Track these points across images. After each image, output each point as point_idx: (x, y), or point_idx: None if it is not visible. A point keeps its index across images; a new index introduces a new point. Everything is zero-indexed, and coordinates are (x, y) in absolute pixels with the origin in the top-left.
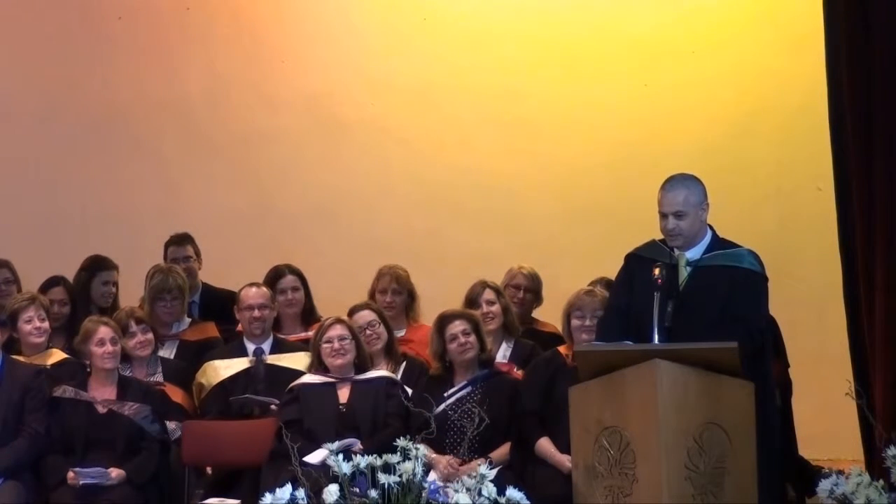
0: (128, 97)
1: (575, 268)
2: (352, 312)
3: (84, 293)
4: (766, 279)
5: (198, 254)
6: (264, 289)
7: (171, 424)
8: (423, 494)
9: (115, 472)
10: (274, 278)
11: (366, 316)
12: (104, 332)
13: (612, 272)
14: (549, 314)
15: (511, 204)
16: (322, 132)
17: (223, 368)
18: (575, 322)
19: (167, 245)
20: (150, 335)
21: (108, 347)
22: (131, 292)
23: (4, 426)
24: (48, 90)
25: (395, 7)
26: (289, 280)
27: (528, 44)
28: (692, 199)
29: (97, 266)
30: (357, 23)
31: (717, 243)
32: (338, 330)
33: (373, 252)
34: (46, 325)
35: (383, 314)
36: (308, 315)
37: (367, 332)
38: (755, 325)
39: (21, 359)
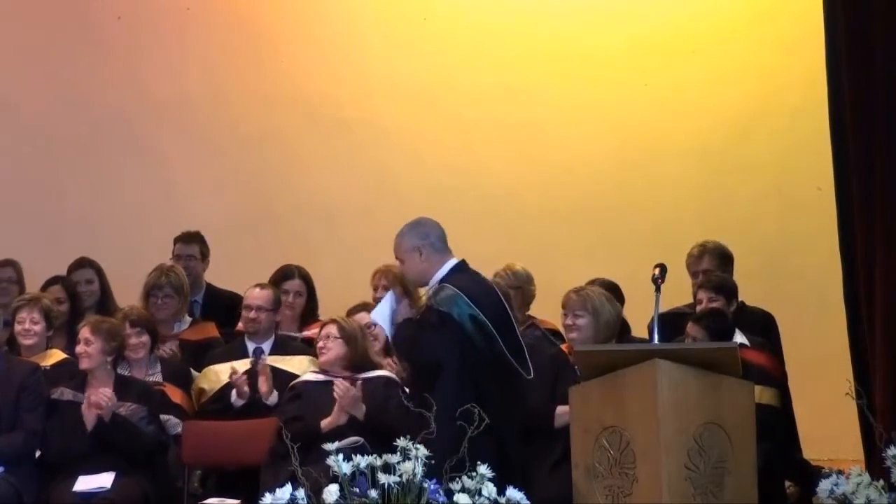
0: (127, 97)
1: (575, 268)
2: (350, 313)
3: (75, 296)
4: (420, 322)
5: (204, 254)
6: (269, 291)
7: (171, 419)
8: (424, 495)
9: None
10: (282, 278)
11: (363, 317)
12: (83, 332)
13: (611, 272)
14: (550, 315)
15: (512, 204)
16: (322, 132)
17: (224, 373)
18: (564, 321)
19: (175, 241)
20: (146, 337)
21: (81, 347)
22: (132, 292)
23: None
24: (48, 90)
25: (395, 7)
26: (294, 284)
27: (527, 44)
28: (403, 246)
29: (73, 267)
30: (357, 22)
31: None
32: (326, 329)
33: (372, 253)
34: (39, 327)
35: None
36: (308, 316)
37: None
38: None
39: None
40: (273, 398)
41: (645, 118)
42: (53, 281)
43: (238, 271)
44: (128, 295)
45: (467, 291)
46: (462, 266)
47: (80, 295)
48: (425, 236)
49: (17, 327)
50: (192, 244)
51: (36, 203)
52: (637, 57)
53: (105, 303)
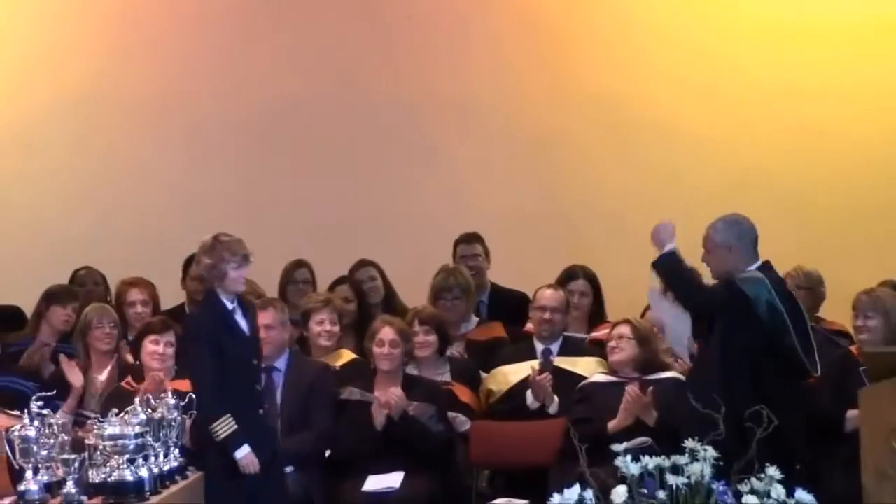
0: (416, 97)
1: (865, 269)
2: (642, 315)
3: (363, 296)
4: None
5: (486, 253)
6: (560, 293)
7: (459, 417)
8: (712, 497)
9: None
10: (566, 278)
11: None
12: (386, 332)
13: None
14: (840, 316)
15: (800, 204)
16: (610, 131)
17: (512, 374)
18: (854, 322)
19: (456, 243)
20: (433, 337)
21: (385, 349)
22: (417, 293)
23: (290, 420)
24: (335, 92)
25: (675, 6)
26: (579, 285)
27: (809, 43)
28: (715, 239)
29: (356, 267)
30: (644, 22)
31: None
32: (619, 329)
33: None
34: (337, 328)
35: None
36: (595, 317)
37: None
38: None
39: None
40: (554, 406)
41: None
42: (341, 281)
43: (522, 271)
44: (411, 296)
45: (771, 280)
46: (768, 265)
47: (368, 294)
48: (741, 237)
49: (316, 328)
50: (475, 244)
51: (326, 205)
52: None
53: (390, 302)
